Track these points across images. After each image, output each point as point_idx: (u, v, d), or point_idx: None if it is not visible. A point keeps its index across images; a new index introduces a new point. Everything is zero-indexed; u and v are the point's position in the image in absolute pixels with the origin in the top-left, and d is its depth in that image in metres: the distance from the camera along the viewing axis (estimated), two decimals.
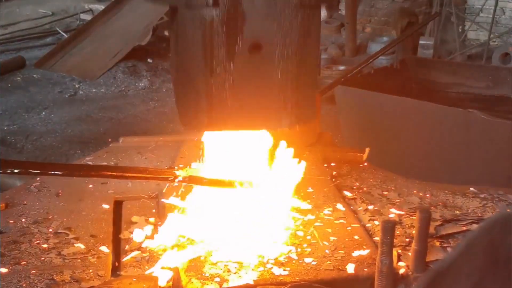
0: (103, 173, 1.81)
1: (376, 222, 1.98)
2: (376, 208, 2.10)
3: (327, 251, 1.79)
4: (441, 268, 0.57)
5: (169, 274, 1.69)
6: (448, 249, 1.82)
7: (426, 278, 0.57)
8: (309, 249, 1.80)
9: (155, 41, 8.74)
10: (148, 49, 8.44)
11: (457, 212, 2.06)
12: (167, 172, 1.84)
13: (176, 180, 1.77)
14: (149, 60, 8.24)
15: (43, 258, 1.79)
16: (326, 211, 2.04)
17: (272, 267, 1.70)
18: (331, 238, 1.86)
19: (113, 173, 1.80)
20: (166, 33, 9.10)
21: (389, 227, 1.53)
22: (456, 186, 2.31)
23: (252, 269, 1.68)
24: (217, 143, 1.85)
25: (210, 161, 1.87)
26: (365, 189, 2.26)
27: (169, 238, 1.84)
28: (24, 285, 1.64)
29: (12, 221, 1.99)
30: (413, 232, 1.74)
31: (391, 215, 2.03)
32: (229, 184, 1.80)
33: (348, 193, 2.22)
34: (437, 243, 1.84)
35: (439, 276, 0.56)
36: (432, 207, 2.09)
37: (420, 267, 1.66)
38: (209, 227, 1.87)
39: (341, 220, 1.98)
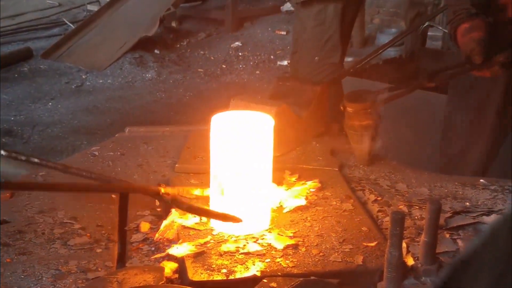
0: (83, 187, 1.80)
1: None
2: (385, 199, 2.07)
3: (335, 242, 1.77)
4: (464, 259, 0.54)
5: (175, 265, 1.68)
6: (458, 241, 1.80)
7: (448, 269, 0.55)
8: (316, 241, 1.78)
9: (162, 32, 8.73)
10: (155, 40, 8.42)
11: (467, 204, 2.04)
12: (151, 189, 1.79)
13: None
14: (156, 51, 8.22)
15: (48, 248, 1.78)
16: (334, 202, 2.02)
17: (279, 259, 1.68)
18: (339, 230, 1.84)
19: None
20: (173, 24, 9.09)
21: (399, 219, 1.51)
22: (466, 177, 2.29)
23: (259, 260, 1.67)
24: (224, 133, 1.83)
25: (215, 152, 1.85)
26: (373, 180, 2.24)
27: (174, 229, 1.83)
28: (29, 275, 1.63)
29: (17, 211, 1.98)
30: (423, 223, 1.72)
31: (400, 207, 2.01)
32: (215, 215, 1.78)
33: (356, 184, 2.19)
34: (447, 235, 1.82)
35: (462, 267, 0.54)
36: (441, 199, 2.06)
37: (429, 259, 1.64)
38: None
39: (349, 212, 1.96)
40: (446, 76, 2.58)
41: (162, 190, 1.69)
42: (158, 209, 2.02)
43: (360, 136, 2.32)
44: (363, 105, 2.28)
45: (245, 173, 1.79)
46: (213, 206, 1.87)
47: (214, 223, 1.85)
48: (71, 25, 9.17)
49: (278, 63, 8.11)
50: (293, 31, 4.28)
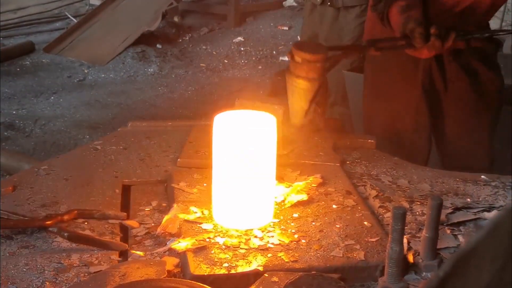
0: None
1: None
2: (386, 195, 2.08)
3: (336, 238, 1.77)
4: (466, 251, 0.55)
5: (177, 259, 1.68)
6: (459, 236, 1.81)
7: (450, 262, 0.55)
8: (318, 236, 1.78)
9: (164, 26, 8.73)
10: (158, 35, 8.42)
11: (468, 200, 2.04)
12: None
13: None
14: (158, 46, 8.22)
15: (50, 242, 1.78)
16: (336, 198, 2.02)
17: (281, 253, 1.68)
18: (341, 225, 1.85)
19: None
20: (176, 18, 9.09)
21: (400, 214, 1.51)
22: (467, 174, 2.29)
23: (261, 255, 1.67)
24: (226, 128, 1.83)
25: (218, 147, 1.85)
26: (375, 175, 2.24)
27: (176, 224, 1.83)
28: (31, 268, 1.64)
29: (19, 205, 1.98)
30: (424, 219, 1.73)
31: (402, 202, 2.02)
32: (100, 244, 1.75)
33: (357, 180, 2.20)
34: (448, 231, 1.82)
35: (463, 260, 0.54)
36: (443, 195, 2.07)
37: (430, 255, 1.64)
38: (217, 212, 1.86)
39: (351, 207, 1.96)
40: (389, 47, 2.50)
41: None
42: (164, 204, 2.02)
43: (301, 90, 2.13)
44: (312, 56, 2.11)
45: (248, 170, 1.79)
46: (216, 201, 1.87)
47: (217, 218, 1.85)
48: (74, 19, 9.17)
49: (280, 58, 8.10)
50: (327, 36, 4.31)
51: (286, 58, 7.98)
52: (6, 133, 5.57)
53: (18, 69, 7.44)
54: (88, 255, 1.71)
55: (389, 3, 2.50)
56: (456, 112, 2.82)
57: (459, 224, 1.87)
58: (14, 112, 6.14)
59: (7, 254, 1.71)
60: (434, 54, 2.38)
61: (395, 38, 2.49)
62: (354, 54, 2.60)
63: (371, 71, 2.98)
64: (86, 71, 7.45)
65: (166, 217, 1.86)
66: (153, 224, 1.89)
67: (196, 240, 1.74)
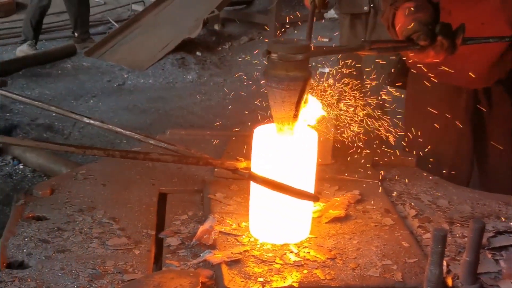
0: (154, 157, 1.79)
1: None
2: (425, 215, 2.04)
3: (374, 257, 1.74)
4: None
5: (212, 271, 1.67)
6: (500, 261, 1.76)
7: None
8: (355, 254, 1.76)
9: (205, 34, 8.76)
10: (198, 42, 8.45)
11: (511, 223, 1.99)
12: (228, 163, 1.84)
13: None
14: (198, 53, 8.25)
15: (86, 247, 1.78)
16: (374, 216, 1.99)
17: (316, 270, 1.66)
18: (378, 244, 1.82)
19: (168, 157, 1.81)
20: (216, 26, 9.11)
21: (441, 236, 1.48)
22: (510, 196, 2.24)
23: (297, 271, 1.65)
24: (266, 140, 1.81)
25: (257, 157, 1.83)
26: (414, 194, 2.21)
27: (212, 235, 1.82)
28: (66, 273, 1.64)
29: (56, 208, 1.99)
30: (464, 242, 1.69)
31: (441, 223, 1.98)
32: (290, 191, 1.73)
33: (396, 198, 2.16)
34: (489, 255, 1.77)
35: None
36: (484, 217, 2.02)
37: (470, 279, 1.60)
38: (254, 225, 1.84)
39: (389, 226, 1.93)
40: (387, 47, 2.25)
41: (240, 165, 1.74)
42: (200, 213, 2.01)
43: (285, 92, 1.73)
44: (294, 48, 1.73)
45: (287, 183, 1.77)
46: (253, 214, 1.85)
47: (253, 231, 1.83)
48: (115, 24, 9.26)
49: (319, 70, 8.07)
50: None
51: (325, 70, 7.95)
52: (45, 134, 5.63)
53: (59, 72, 7.53)
54: (123, 263, 1.71)
55: (396, 5, 2.37)
56: (500, 135, 2.75)
57: (500, 248, 1.83)
58: (53, 114, 6.19)
59: (43, 258, 1.72)
60: (443, 58, 2.16)
61: (397, 41, 2.30)
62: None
63: (413, 91, 2.92)
64: (125, 76, 7.51)
65: (201, 228, 1.85)
66: (188, 234, 1.88)
67: (231, 252, 1.72)
